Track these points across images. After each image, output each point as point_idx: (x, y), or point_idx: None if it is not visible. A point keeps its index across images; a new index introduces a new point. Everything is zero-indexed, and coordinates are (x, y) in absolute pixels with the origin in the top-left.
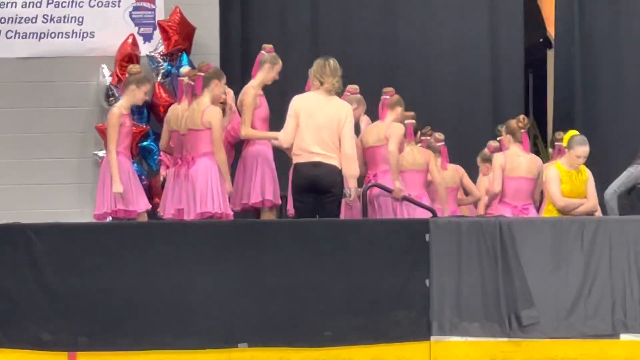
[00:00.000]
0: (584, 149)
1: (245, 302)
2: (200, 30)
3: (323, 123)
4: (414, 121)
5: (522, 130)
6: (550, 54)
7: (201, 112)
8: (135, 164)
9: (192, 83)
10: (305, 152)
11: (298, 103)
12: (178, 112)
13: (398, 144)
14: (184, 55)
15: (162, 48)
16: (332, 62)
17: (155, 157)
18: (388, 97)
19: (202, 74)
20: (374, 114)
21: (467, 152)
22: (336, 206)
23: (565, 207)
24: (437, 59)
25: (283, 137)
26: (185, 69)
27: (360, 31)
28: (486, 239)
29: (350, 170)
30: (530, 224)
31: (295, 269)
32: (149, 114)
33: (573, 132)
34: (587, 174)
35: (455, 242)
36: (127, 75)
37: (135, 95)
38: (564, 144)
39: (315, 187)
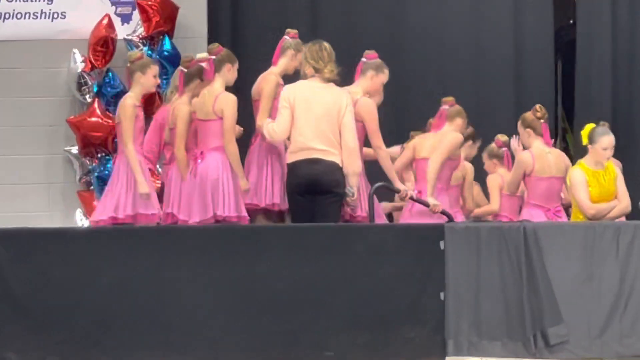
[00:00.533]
0: (609, 139)
1: (235, 317)
2: (184, 9)
3: (321, 114)
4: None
5: (542, 121)
6: None
7: (213, 99)
8: (111, 162)
9: (184, 71)
10: (303, 147)
11: (292, 92)
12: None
13: (446, 154)
14: (166, 39)
15: (141, 30)
16: (328, 46)
17: None
18: (447, 107)
19: (213, 56)
20: (385, 114)
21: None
22: (338, 209)
23: (596, 215)
24: (452, 42)
25: (277, 130)
26: (201, 54)
27: (366, 11)
28: (509, 247)
29: (353, 166)
30: (559, 229)
31: (292, 280)
32: None
33: (591, 126)
34: (616, 170)
35: (473, 250)
36: (128, 64)
37: (143, 82)
38: (584, 140)
39: (314, 188)
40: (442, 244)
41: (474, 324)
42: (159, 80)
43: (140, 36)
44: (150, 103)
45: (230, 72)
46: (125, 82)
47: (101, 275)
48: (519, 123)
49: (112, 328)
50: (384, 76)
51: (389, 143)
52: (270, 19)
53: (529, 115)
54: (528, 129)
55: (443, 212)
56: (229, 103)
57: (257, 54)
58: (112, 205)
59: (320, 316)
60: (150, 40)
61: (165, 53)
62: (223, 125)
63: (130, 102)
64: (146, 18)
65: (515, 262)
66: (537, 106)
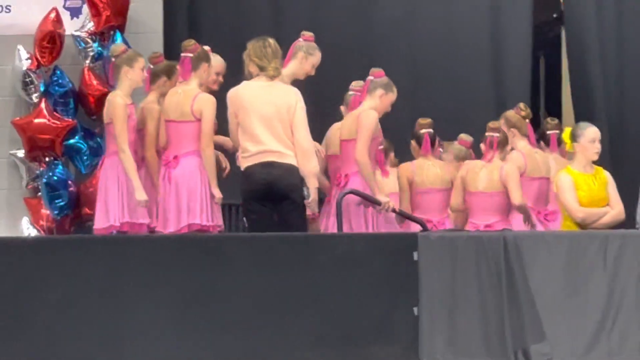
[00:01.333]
0: (595, 130)
1: (193, 334)
2: (137, 3)
3: (271, 113)
4: (430, 130)
5: (527, 121)
6: None
7: (191, 99)
8: (60, 167)
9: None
10: (255, 151)
11: (235, 96)
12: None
13: (368, 140)
14: (118, 34)
15: (90, 26)
16: (273, 42)
17: (84, 157)
18: (372, 77)
19: (189, 54)
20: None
21: None
22: (300, 216)
23: (586, 218)
24: (424, 38)
25: (231, 141)
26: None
27: (331, 5)
28: (488, 258)
29: (308, 166)
30: (542, 239)
31: (254, 294)
32: (76, 105)
33: (568, 129)
34: (606, 175)
35: (449, 261)
36: (112, 59)
37: (132, 77)
38: (568, 146)
39: (270, 194)
40: (415, 255)
41: (450, 341)
42: (147, 74)
43: (90, 32)
44: (101, 103)
45: (206, 72)
46: (76, 80)
47: (48, 288)
48: (502, 122)
49: (60, 344)
50: (393, 95)
51: None
52: (230, 14)
53: (513, 114)
54: (513, 129)
55: (397, 212)
56: (209, 104)
57: (214, 51)
58: (103, 213)
59: (284, 333)
60: (101, 35)
61: None
62: (202, 128)
63: (120, 101)
64: (96, 12)
65: (494, 274)
66: (522, 105)
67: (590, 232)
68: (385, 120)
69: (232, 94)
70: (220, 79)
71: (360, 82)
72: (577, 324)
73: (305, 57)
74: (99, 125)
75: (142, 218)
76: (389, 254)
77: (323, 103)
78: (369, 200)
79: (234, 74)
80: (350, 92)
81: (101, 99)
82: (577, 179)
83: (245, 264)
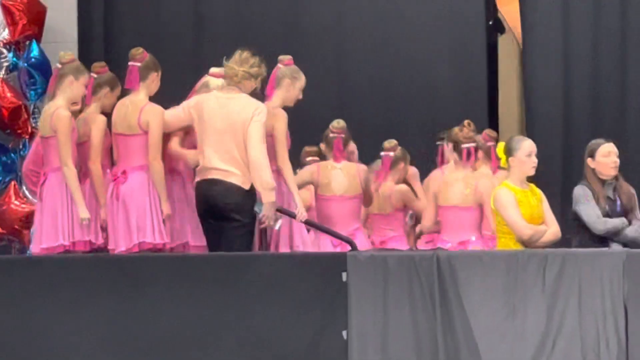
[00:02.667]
0: (530, 144)
1: (114, 356)
2: (53, 11)
3: (224, 129)
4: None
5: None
6: (503, 41)
7: (138, 111)
8: None
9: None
10: (203, 167)
11: (196, 106)
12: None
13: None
14: (34, 44)
15: (5, 34)
16: (243, 51)
17: None
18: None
19: (137, 63)
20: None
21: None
22: (245, 237)
23: (534, 236)
24: (354, 41)
25: (191, 155)
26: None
27: (256, 10)
28: (420, 279)
29: (260, 181)
30: (477, 258)
31: (176, 316)
32: None
33: (502, 144)
34: (540, 192)
35: (380, 282)
36: (58, 65)
37: (73, 90)
38: (502, 159)
39: (212, 212)
40: (344, 276)
41: None
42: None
43: (5, 41)
44: (15, 117)
45: (155, 82)
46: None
47: None
48: (446, 138)
49: None
50: (300, 82)
51: None
52: (148, 22)
53: (456, 131)
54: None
55: (309, 223)
56: (156, 116)
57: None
58: (57, 230)
59: (208, 357)
60: (16, 45)
61: (33, 60)
62: (149, 140)
63: (65, 113)
64: (12, 21)
65: (427, 296)
66: (466, 122)
67: (529, 251)
68: (313, 130)
69: (193, 103)
70: None
71: (342, 123)
72: (515, 347)
73: (291, 84)
74: (12, 140)
75: (88, 236)
76: (316, 275)
77: None
78: (284, 213)
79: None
80: (332, 135)
81: (16, 112)
82: (516, 195)
83: (169, 285)
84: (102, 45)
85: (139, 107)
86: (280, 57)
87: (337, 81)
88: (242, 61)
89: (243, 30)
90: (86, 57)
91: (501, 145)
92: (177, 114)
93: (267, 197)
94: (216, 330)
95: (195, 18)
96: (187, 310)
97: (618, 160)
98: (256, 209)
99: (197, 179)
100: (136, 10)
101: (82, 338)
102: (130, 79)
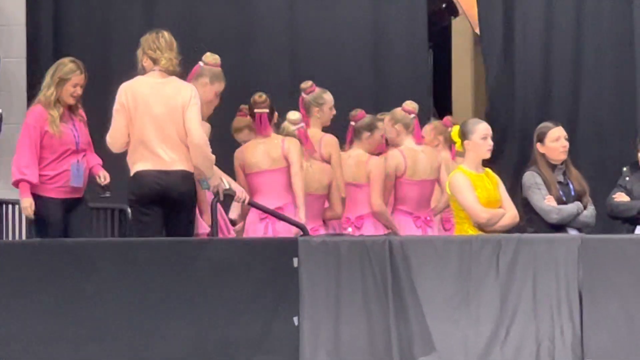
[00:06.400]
0: (485, 127)
1: (57, 345)
2: None
3: (163, 113)
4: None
5: (413, 117)
6: (457, 24)
7: None
8: None
9: None
10: (147, 155)
11: (126, 92)
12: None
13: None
14: None
15: None
16: (167, 34)
17: None
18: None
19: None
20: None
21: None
22: (192, 222)
23: (491, 220)
24: (306, 29)
25: (111, 140)
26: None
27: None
28: (373, 264)
29: (203, 163)
30: (430, 244)
31: (123, 302)
32: None
33: (457, 127)
34: (495, 176)
35: (332, 267)
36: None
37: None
38: (457, 143)
39: (163, 200)
40: (295, 261)
41: (333, 353)
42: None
43: None
44: None
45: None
46: None
47: None
48: (387, 119)
49: None
50: (220, 85)
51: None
52: (98, 8)
53: (399, 111)
54: (398, 126)
55: (253, 205)
56: None
57: (82, 46)
58: None
59: (155, 345)
60: None
61: None
62: None
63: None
64: None
65: (380, 282)
66: (408, 102)
67: (483, 236)
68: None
69: (123, 89)
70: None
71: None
72: (468, 334)
73: (320, 109)
74: None
75: None
76: (267, 260)
77: None
78: (227, 195)
79: (101, 71)
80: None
81: None
82: (472, 179)
83: (118, 271)
84: (51, 29)
85: None
86: (302, 86)
87: (291, 66)
88: (169, 46)
89: (194, 16)
90: (33, 41)
91: (456, 129)
92: (116, 110)
93: (211, 173)
94: (166, 316)
95: (144, 2)
96: (136, 297)
97: (567, 144)
98: (203, 185)
99: (140, 168)
100: None
101: (27, 324)
102: None
